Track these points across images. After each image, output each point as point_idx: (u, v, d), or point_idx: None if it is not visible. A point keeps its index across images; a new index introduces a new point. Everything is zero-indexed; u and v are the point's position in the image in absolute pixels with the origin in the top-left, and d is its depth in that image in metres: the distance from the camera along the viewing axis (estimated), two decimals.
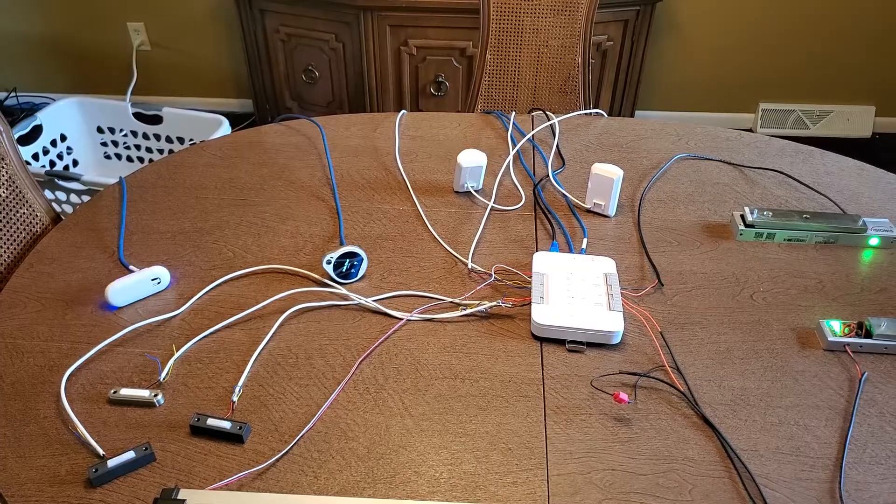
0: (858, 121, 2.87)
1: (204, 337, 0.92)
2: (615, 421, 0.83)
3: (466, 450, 0.80)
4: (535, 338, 0.94)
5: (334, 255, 0.97)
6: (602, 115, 1.46)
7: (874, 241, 1.11)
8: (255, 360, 0.89)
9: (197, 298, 0.98)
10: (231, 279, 1.01)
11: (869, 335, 0.93)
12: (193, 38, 2.86)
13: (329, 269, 0.98)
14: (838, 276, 1.05)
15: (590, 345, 0.93)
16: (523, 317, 0.97)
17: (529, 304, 0.96)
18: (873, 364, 0.91)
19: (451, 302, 0.98)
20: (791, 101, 2.86)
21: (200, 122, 2.29)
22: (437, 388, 0.86)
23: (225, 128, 2.21)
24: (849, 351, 0.93)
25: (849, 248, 1.11)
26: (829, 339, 0.93)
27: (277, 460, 0.77)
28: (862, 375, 0.90)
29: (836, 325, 0.94)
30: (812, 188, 1.24)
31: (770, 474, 0.78)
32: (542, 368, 0.90)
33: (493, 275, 1.02)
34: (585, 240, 1.11)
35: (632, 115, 2.66)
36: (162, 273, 0.98)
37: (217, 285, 1.00)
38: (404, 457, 0.79)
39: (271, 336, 0.92)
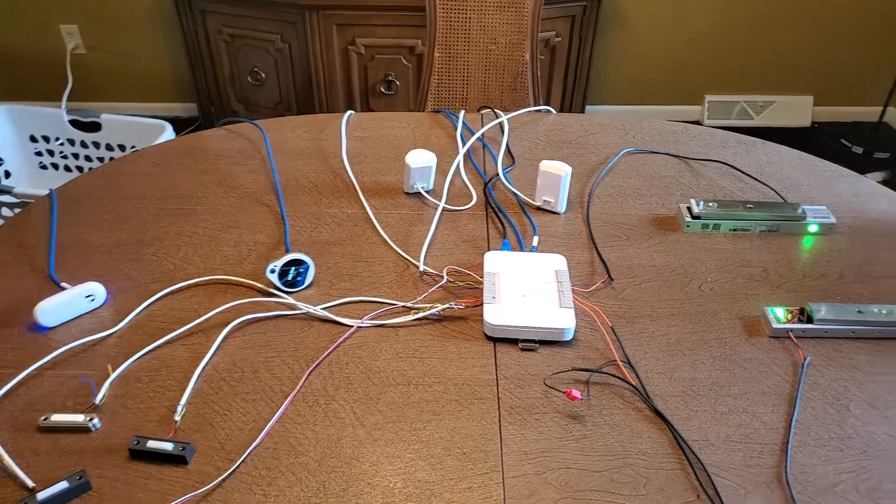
0: (799, 110, 2.94)
1: (143, 355, 0.88)
2: (569, 418, 0.83)
3: (421, 457, 0.78)
4: (489, 338, 0.93)
5: (278, 264, 0.95)
6: (551, 111, 1.46)
7: (813, 228, 1.13)
8: (199, 376, 0.86)
9: (135, 314, 0.94)
10: (171, 292, 0.98)
11: (810, 320, 0.95)
12: (131, 40, 2.78)
13: (273, 278, 0.95)
14: (781, 263, 1.07)
15: (543, 343, 0.92)
16: (476, 318, 0.96)
17: (482, 304, 0.96)
18: (815, 348, 0.93)
19: (402, 306, 0.97)
20: (736, 93, 2.93)
21: (142, 129, 2.22)
22: (389, 396, 0.85)
23: (168, 133, 2.15)
24: (792, 337, 0.95)
25: (790, 236, 1.13)
26: (774, 326, 0.94)
27: (224, 480, 0.75)
28: (805, 360, 0.92)
29: (780, 312, 0.96)
30: (755, 178, 1.26)
31: (721, 463, 0.79)
32: (496, 369, 0.89)
33: (446, 276, 1.01)
34: (536, 237, 1.10)
35: (582, 111, 2.68)
36: (96, 289, 0.94)
37: (156, 299, 0.97)
38: (357, 469, 0.77)
39: (215, 350, 0.89)
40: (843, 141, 2.86)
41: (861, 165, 2.71)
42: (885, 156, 2.76)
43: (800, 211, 1.13)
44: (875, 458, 0.80)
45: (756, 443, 0.81)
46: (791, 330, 0.95)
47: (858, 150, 2.80)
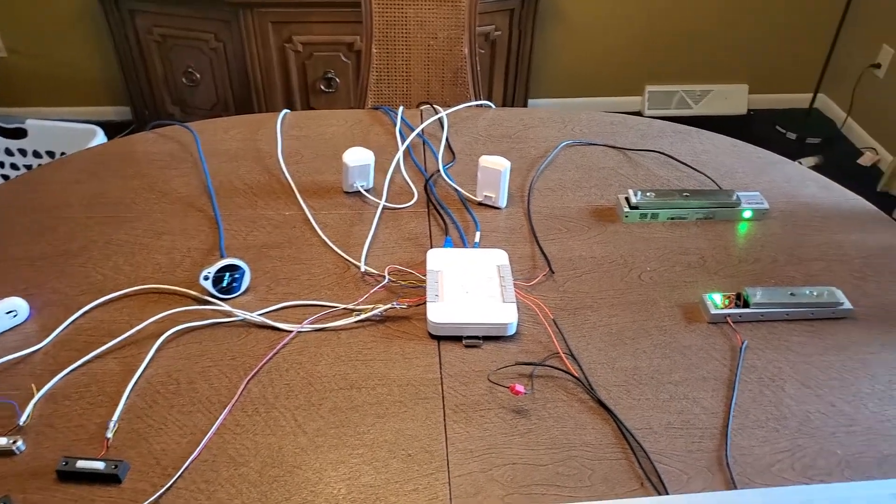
0: (735, 99, 3.02)
1: (71, 371, 0.85)
2: (514, 413, 0.83)
3: (365, 462, 0.77)
4: (433, 337, 0.92)
5: (212, 270, 0.92)
6: (490, 106, 1.46)
7: (747, 214, 1.16)
8: (131, 390, 0.83)
9: (62, 329, 0.90)
10: (101, 304, 0.94)
11: (746, 305, 0.97)
12: (57, 42, 2.67)
13: (207, 285, 0.92)
14: (718, 250, 1.09)
15: (486, 339, 0.92)
16: (419, 317, 0.95)
17: (425, 303, 0.95)
18: (752, 332, 0.95)
19: (344, 308, 0.95)
20: (674, 83, 2.98)
21: (71, 134, 2.13)
22: (332, 401, 0.83)
23: (100, 138, 2.08)
24: (730, 322, 0.96)
25: (726, 223, 1.15)
26: (712, 311, 0.96)
27: (160, 497, 0.72)
28: (742, 344, 0.93)
29: (718, 297, 0.98)
30: (691, 167, 1.28)
31: (663, 450, 0.80)
32: (440, 368, 0.88)
33: (388, 276, 1.00)
34: (478, 233, 1.10)
35: (525, 104, 2.69)
36: (18, 304, 0.89)
37: (85, 312, 0.93)
38: (300, 477, 0.75)
39: (148, 362, 0.86)
40: (777, 127, 2.94)
41: (795, 151, 2.80)
42: (816, 140, 2.85)
43: (734, 197, 1.15)
44: (809, 436, 0.82)
45: (697, 428, 0.82)
46: (728, 315, 0.97)
47: (792, 135, 2.88)
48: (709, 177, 1.26)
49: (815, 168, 2.68)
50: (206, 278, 0.92)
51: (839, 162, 2.75)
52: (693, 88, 2.98)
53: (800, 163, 2.69)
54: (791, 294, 0.98)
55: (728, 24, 2.84)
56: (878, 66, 2.71)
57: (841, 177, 2.67)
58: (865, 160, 2.74)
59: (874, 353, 0.93)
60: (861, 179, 2.66)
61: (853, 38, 2.84)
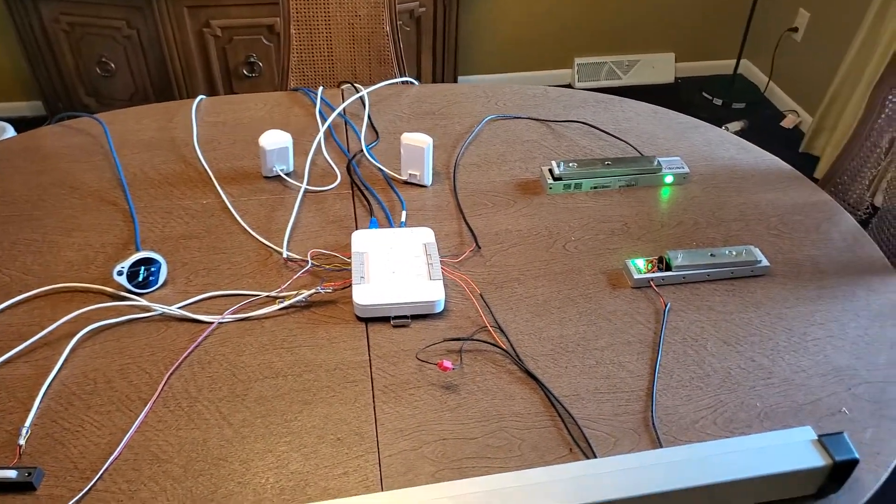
0: (662, 67, 3.07)
1: None
2: (443, 389, 0.83)
3: (293, 449, 0.76)
4: (360, 319, 0.91)
5: (126, 265, 0.89)
6: (413, 83, 1.45)
7: (669, 179, 1.18)
8: (44, 393, 0.80)
9: None
10: (9, 307, 0.90)
11: (669, 268, 0.99)
12: None
13: (122, 280, 0.89)
14: (641, 216, 1.11)
15: (415, 317, 0.92)
16: (346, 300, 0.94)
17: (350, 285, 0.93)
18: (675, 294, 0.97)
19: (267, 296, 0.93)
20: (603, 54, 3.01)
21: None
22: (257, 391, 0.82)
23: (9, 134, 1.98)
24: (653, 285, 0.98)
25: (648, 189, 1.17)
26: (635, 276, 0.98)
27: (78, 501, 0.70)
28: (666, 306, 0.96)
29: (641, 262, 0.99)
30: (613, 135, 1.30)
31: (591, 415, 0.81)
32: (369, 349, 0.87)
33: (311, 261, 0.98)
34: (404, 212, 1.09)
35: (455, 81, 2.68)
36: None
37: None
38: (226, 469, 0.74)
39: (62, 364, 0.83)
40: (703, 94, 3.01)
41: (721, 116, 2.87)
42: (741, 105, 2.93)
43: (655, 163, 1.17)
44: (729, 391, 0.85)
45: (623, 391, 0.84)
46: (651, 279, 0.98)
47: (718, 101, 2.95)
48: (631, 144, 1.27)
49: (741, 132, 2.76)
50: (120, 273, 0.89)
51: (763, 125, 2.83)
52: (621, 59, 3.02)
53: (726, 128, 2.76)
54: (711, 255, 1.00)
55: None
56: (796, 29, 2.79)
57: (765, 140, 2.75)
58: (788, 122, 2.82)
59: (790, 307, 0.97)
60: (784, 141, 2.75)
61: (771, 4, 2.92)
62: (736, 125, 2.79)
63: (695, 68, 3.14)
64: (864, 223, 1.27)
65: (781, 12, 2.87)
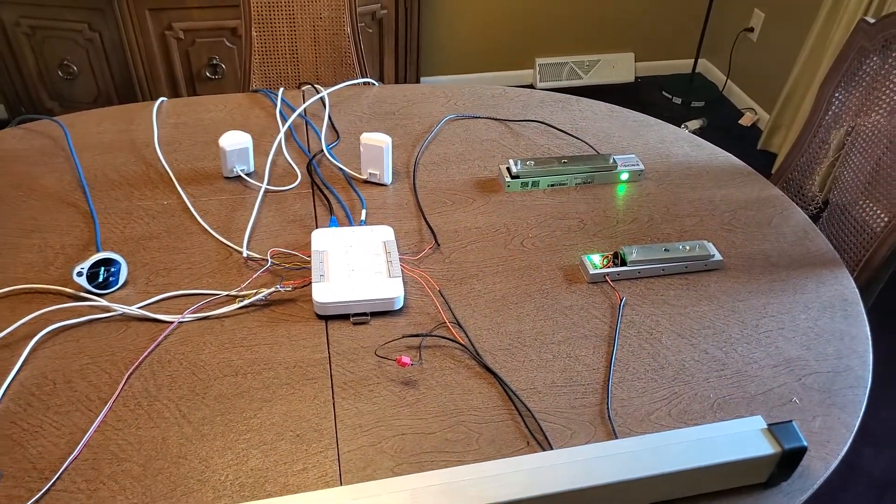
0: (622, 67, 3.12)
1: None
2: (402, 385, 0.84)
3: (252, 446, 0.77)
4: (320, 317, 0.92)
5: (86, 265, 0.89)
6: (373, 83, 1.46)
7: (624, 176, 1.21)
8: (3, 395, 0.79)
9: None
10: None
11: (624, 263, 1.01)
12: None
13: (82, 280, 0.89)
14: (597, 212, 1.14)
15: (374, 315, 0.93)
16: (306, 298, 0.95)
17: (310, 284, 0.94)
18: (630, 289, 1.00)
19: (226, 295, 0.94)
20: (564, 55, 3.05)
21: None
22: (217, 389, 0.82)
23: None
24: (609, 280, 1.01)
25: (604, 186, 1.20)
26: (591, 272, 1.00)
27: (37, 501, 0.70)
28: (621, 301, 0.98)
29: (597, 258, 1.02)
30: (570, 134, 1.32)
31: (548, 408, 0.83)
32: (328, 347, 0.89)
33: (270, 260, 0.99)
34: (364, 211, 1.10)
35: (417, 83, 2.69)
36: None
37: None
38: (185, 467, 0.74)
39: (21, 365, 0.83)
40: (663, 93, 3.06)
41: (680, 115, 2.93)
42: (700, 104, 2.99)
43: (611, 161, 1.20)
44: (684, 383, 0.87)
45: (579, 384, 0.86)
46: (607, 274, 1.01)
47: (678, 100, 3.01)
48: (587, 143, 1.30)
49: (699, 131, 2.82)
50: (79, 274, 0.89)
51: (722, 123, 2.90)
52: (582, 59, 3.06)
53: (685, 126, 2.82)
54: (665, 250, 1.03)
55: None
56: (752, 29, 2.86)
57: (724, 137, 2.81)
58: (746, 120, 2.89)
59: (743, 300, 1.00)
60: (743, 139, 2.81)
61: (727, 4, 2.99)
62: (695, 123, 2.84)
63: (654, 67, 3.19)
64: (815, 217, 1.32)
65: (737, 13, 2.94)
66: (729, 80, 3.04)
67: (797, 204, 1.33)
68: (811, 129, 1.36)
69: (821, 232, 1.14)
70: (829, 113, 1.32)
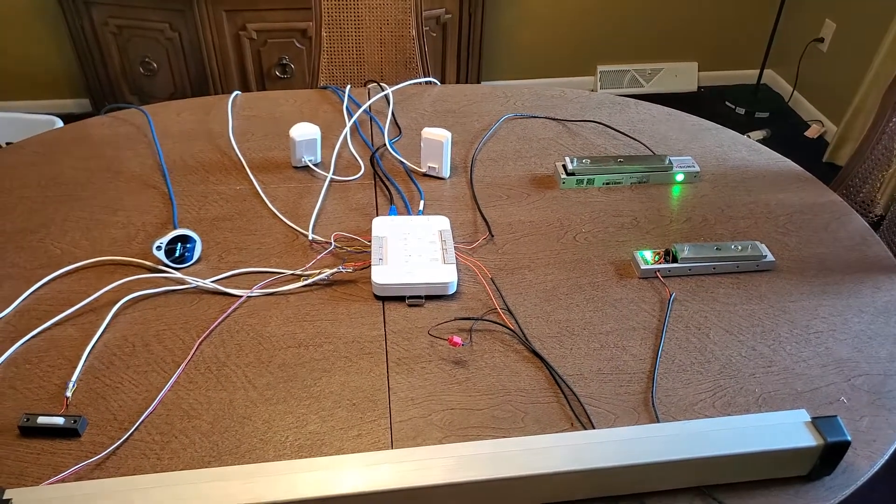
0: (685, 76, 3.10)
1: (32, 337, 0.88)
2: (453, 364, 0.88)
3: (311, 412, 0.82)
4: (377, 298, 0.97)
5: (164, 240, 0.96)
6: (435, 83, 1.51)
7: (680, 178, 1.22)
8: (89, 353, 0.87)
9: (22, 300, 0.94)
10: (59, 276, 0.98)
11: (675, 260, 1.03)
12: (13, 36, 2.65)
13: (160, 254, 0.96)
14: (651, 211, 1.16)
15: (428, 298, 0.97)
16: (365, 280, 1.00)
17: (370, 266, 1.00)
18: (680, 285, 1.02)
19: (292, 274, 1.00)
20: (626, 62, 3.05)
21: (30, 125, 2.14)
22: (280, 358, 0.88)
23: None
24: (659, 276, 1.03)
25: (659, 186, 1.22)
26: (643, 267, 1.02)
27: (117, 448, 0.77)
28: (671, 296, 1.00)
29: (648, 254, 1.04)
30: (627, 135, 1.35)
31: (593, 394, 0.86)
32: (385, 325, 0.93)
33: (334, 243, 1.04)
34: (422, 201, 1.15)
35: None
36: None
37: (44, 284, 0.96)
38: (249, 427, 0.80)
39: (105, 328, 0.90)
40: (727, 103, 3.03)
41: (744, 125, 2.89)
42: (765, 115, 2.94)
43: (667, 162, 1.22)
44: (729, 377, 0.89)
45: (625, 373, 0.89)
46: (658, 270, 1.03)
47: (741, 111, 2.97)
48: (644, 144, 1.32)
49: (763, 141, 2.78)
50: (158, 248, 0.96)
51: (787, 135, 2.85)
52: (644, 67, 3.06)
53: (748, 136, 2.78)
54: (717, 248, 1.04)
55: (676, 2, 2.92)
56: (822, 40, 2.80)
57: (789, 149, 2.77)
58: (812, 132, 2.83)
59: (794, 301, 1.00)
60: (808, 151, 2.76)
61: (797, 14, 2.94)
62: (758, 134, 2.80)
63: (718, 77, 3.16)
64: (876, 225, 1.30)
65: (807, 23, 2.89)
66: (796, 92, 2.99)
67: (856, 211, 1.31)
68: (874, 135, 1.34)
69: (880, 239, 1.13)
70: (894, 120, 1.31)
